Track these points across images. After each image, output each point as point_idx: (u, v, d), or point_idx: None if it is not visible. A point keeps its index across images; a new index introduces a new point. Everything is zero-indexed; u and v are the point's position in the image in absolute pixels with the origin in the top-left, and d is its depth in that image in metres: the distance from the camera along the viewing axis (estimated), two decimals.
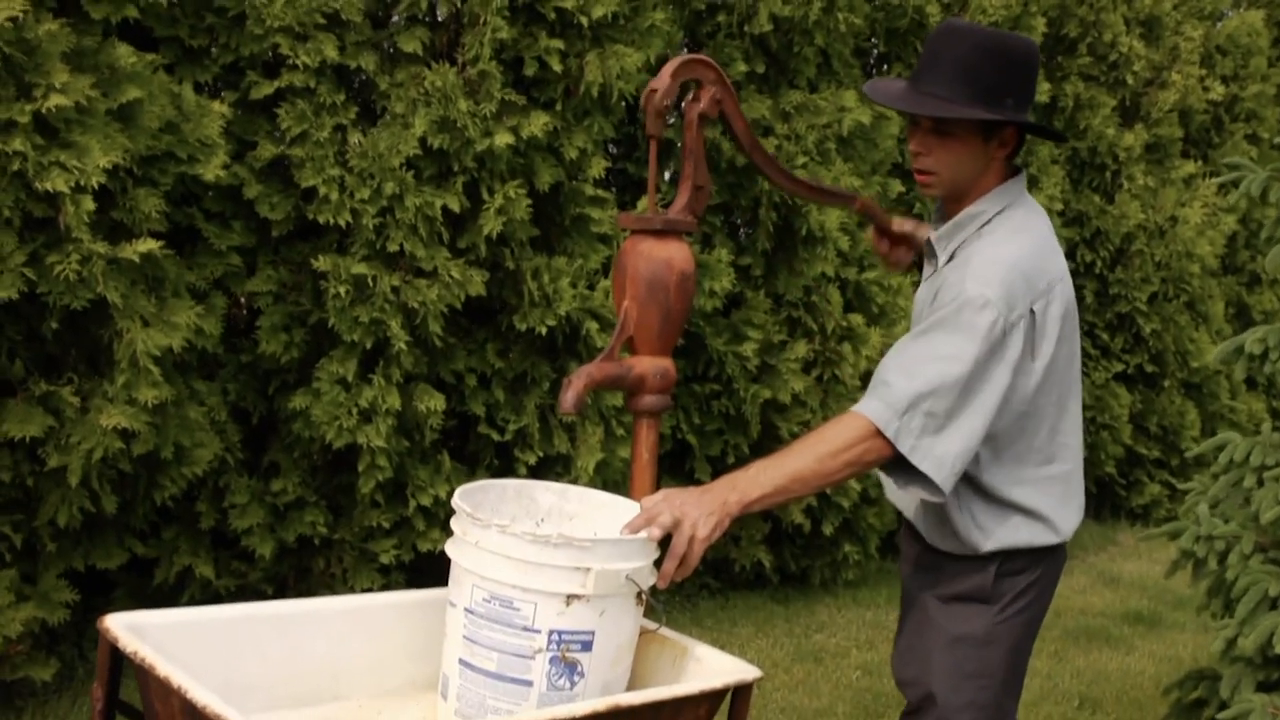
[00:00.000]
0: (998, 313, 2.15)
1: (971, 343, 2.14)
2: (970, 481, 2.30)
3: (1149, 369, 8.17)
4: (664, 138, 2.36)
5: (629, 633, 2.05)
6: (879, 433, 2.11)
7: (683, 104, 2.39)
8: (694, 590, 5.78)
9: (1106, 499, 8.47)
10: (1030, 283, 2.21)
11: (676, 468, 5.49)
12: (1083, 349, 7.88)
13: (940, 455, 2.13)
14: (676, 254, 2.34)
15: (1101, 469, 8.06)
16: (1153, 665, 5.44)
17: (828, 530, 5.78)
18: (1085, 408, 7.95)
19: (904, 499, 2.48)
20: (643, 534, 2.02)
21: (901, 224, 2.69)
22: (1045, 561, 2.40)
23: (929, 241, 2.42)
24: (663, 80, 2.29)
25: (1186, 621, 6.15)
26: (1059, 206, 7.28)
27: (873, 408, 2.13)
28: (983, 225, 2.32)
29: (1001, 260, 2.22)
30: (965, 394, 2.14)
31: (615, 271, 2.39)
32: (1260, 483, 3.20)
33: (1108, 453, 7.99)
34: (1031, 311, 2.21)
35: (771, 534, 5.85)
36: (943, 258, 2.37)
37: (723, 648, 5.01)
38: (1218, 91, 8.50)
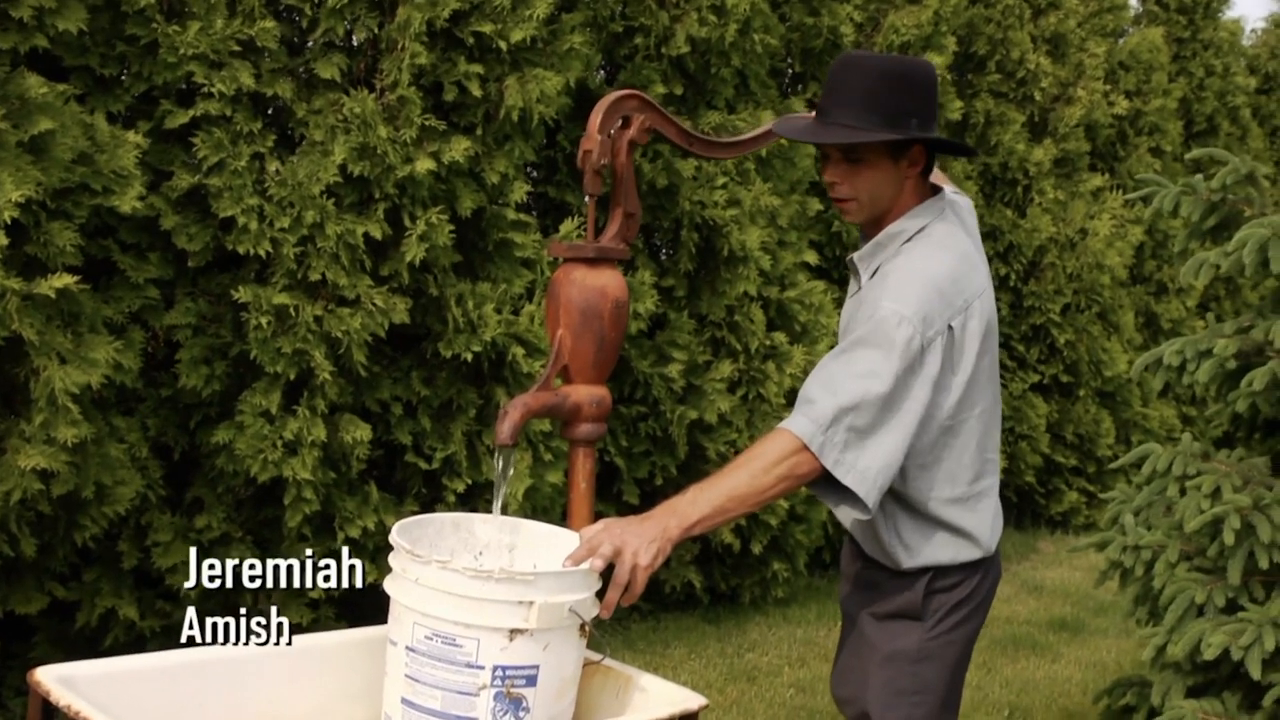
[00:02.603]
0: (913, 329, 2.18)
1: (889, 359, 2.17)
2: (899, 499, 2.32)
3: (1064, 379, 8.33)
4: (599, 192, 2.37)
5: (573, 665, 2.03)
6: (804, 447, 2.14)
7: (611, 131, 2.38)
8: (625, 614, 5.76)
9: (1026, 508, 8.61)
10: (947, 299, 2.24)
11: (604, 490, 5.47)
12: (999, 361, 8.11)
13: (863, 469, 2.15)
14: (610, 282, 2.34)
15: (1021, 478, 8.19)
16: (1079, 672, 5.52)
17: (756, 549, 5.80)
18: (1004, 418, 8.08)
19: (847, 516, 2.49)
20: (585, 565, 2.00)
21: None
22: (978, 575, 2.42)
23: (851, 260, 2.46)
24: (593, 139, 2.31)
25: (1109, 627, 6.25)
26: None
27: (798, 424, 2.15)
28: (904, 243, 2.35)
29: (917, 277, 2.25)
30: (886, 410, 2.17)
31: (549, 300, 2.38)
32: (1183, 492, 3.26)
33: (1027, 462, 8.12)
34: (950, 328, 2.23)
35: (701, 554, 5.85)
36: (865, 276, 2.40)
37: (656, 670, 5.02)
38: (1122, 106, 8.71)
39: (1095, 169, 8.90)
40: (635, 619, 5.74)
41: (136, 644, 4.09)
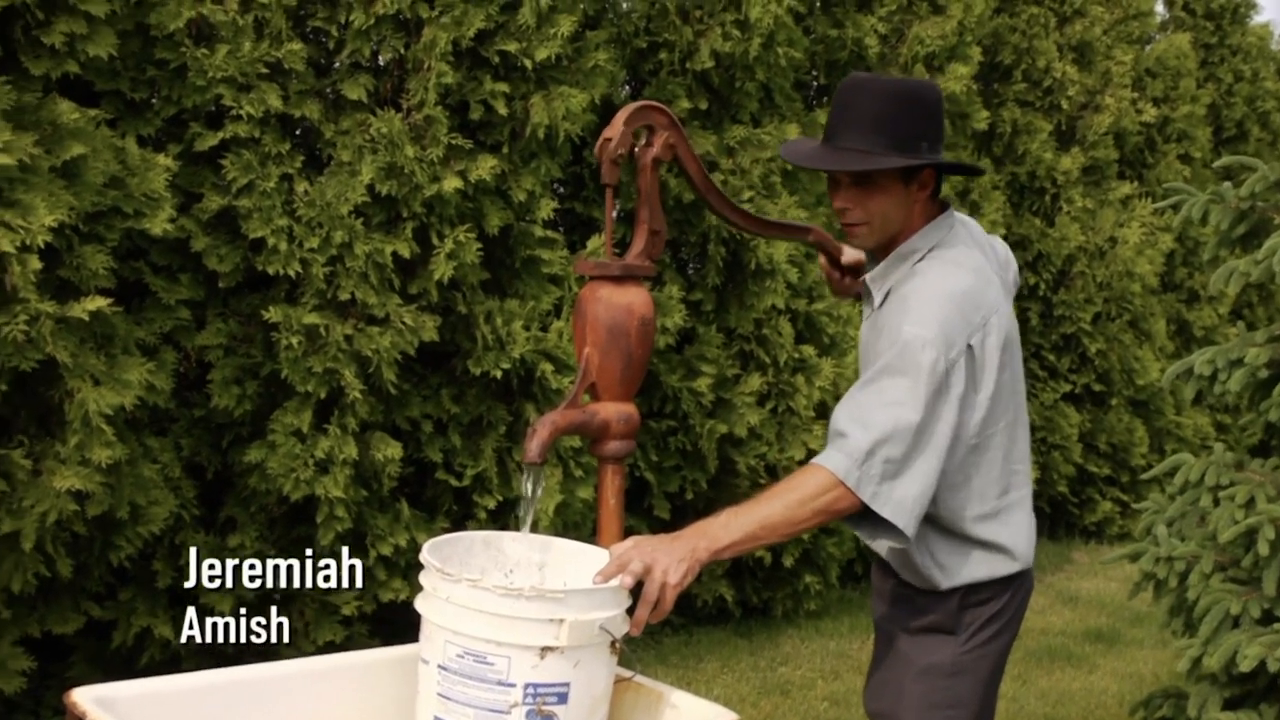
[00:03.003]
0: (937, 351, 2.17)
1: (917, 386, 2.16)
2: (931, 521, 2.31)
3: (1096, 388, 8.28)
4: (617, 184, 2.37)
5: (604, 682, 2.04)
6: (841, 483, 2.13)
7: (635, 149, 2.39)
8: (658, 628, 5.76)
9: (1060, 518, 8.56)
10: (966, 318, 2.23)
11: (635, 505, 5.48)
12: (1030, 371, 8.09)
13: (900, 499, 2.14)
14: (636, 299, 2.34)
15: (1054, 488, 8.15)
16: (1116, 684, 5.48)
17: (788, 562, 5.79)
18: (1035, 429, 8.04)
19: (883, 544, 2.48)
20: (614, 582, 2.00)
21: (851, 254, 2.72)
22: (1011, 589, 2.41)
23: (864, 282, 2.44)
24: (616, 129, 2.30)
25: (1146, 638, 6.20)
26: (1001, 231, 7.36)
27: (833, 460, 2.14)
28: (916, 263, 2.34)
29: (935, 299, 2.24)
30: (919, 436, 2.16)
31: (575, 318, 2.39)
32: (1216, 502, 3.24)
33: (1059, 472, 8.08)
34: (969, 346, 2.22)
35: (733, 568, 5.84)
36: (878, 298, 2.39)
37: (688, 684, 5.01)
38: (1150, 113, 8.67)
39: (1124, 177, 8.86)
40: (668, 633, 5.74)
41: (172, 662, 4.12)
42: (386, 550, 4.32)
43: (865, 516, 2.17)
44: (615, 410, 2.35)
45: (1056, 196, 8.12)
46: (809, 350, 5.78)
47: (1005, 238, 7.72)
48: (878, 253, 2.42)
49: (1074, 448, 8.07)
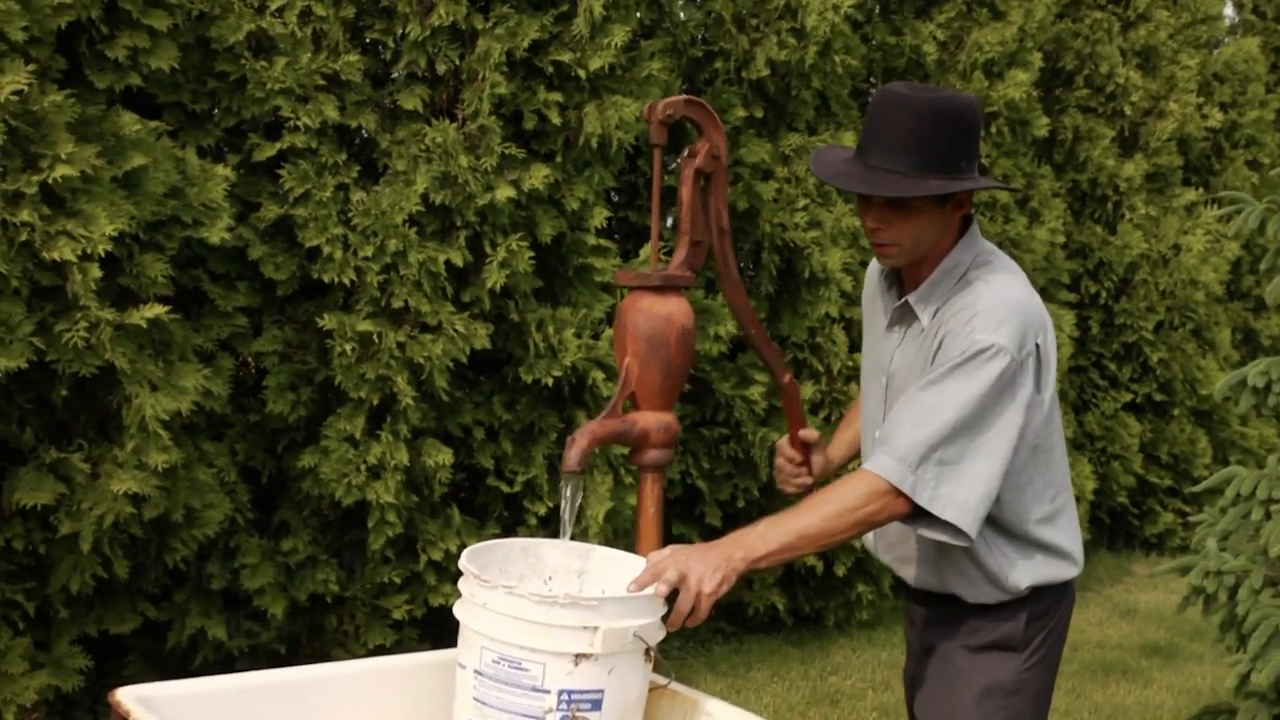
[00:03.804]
0: (1011, 357, 2.15)
1: (981, 390, 2.13)
2: (996, 524, 2.28)
3: (1158, 398, 8.17)
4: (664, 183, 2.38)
5: (638, 690, 2.05)
6: (893, 489, 2.10)
7: (679, 160, 2.41)
8: (708, 635, 5.77)
9: (1120, 529, 8.46)
10: (1031, 319, 2.21)
11: (686, 513, 5.50)
12: (1090, 380, 8.01)
13: (962, 502, 2.12)
14: (676, 310, 2.36)
15: (1114, 499, 8.05)
16: (1171, 698, 5.41)
17: (840, 571, 5.77)
18: (1095, 438, 7.97)
19: (901, 564, 2.47)
20: (649, 590, 2.02)
21: (809, 433, 2.66)
22: (1065, 598, 2.41)
23: (906, 303, 2.36)
24: (674, 99, 2.33)
25: (1205, 653, 6.12)
26: (1061, 239, 7.30)
27: (884, 464, 2.11)
28: (960, 276, 2.31)
29: (1005, 304, 2.21)
30: (977, 436, 2.13)
31: (616, 328, 2.41)
32: (1268, 516, 3.20)
33: (1120, 483, 7.99)
34: (1037, 346, 2.21)
35: (785, 576, 5.84)
36: (925, 318, 2.32)
37: (738, 693, 5.02)
38: (1216, 119, 8.53)
39: (1189, 183, 8.73)
40: (718, 641, 5.75)
41: (225, 663, 4.20)
42: (437, 555, 4.37)
43: (920, 515, 2.14)
44: (655, 419, 2.37)
45: (1119, 204, 8.03)
46: (862, 359, 5.75)
47: (1065, 245, 7.66)
48: (906, 270, 2.37)
49: (1134, 458, 7.98)
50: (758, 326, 2.59)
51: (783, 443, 2.69)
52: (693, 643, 5.66)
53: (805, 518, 2.12)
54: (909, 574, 2.44)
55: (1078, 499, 7.24)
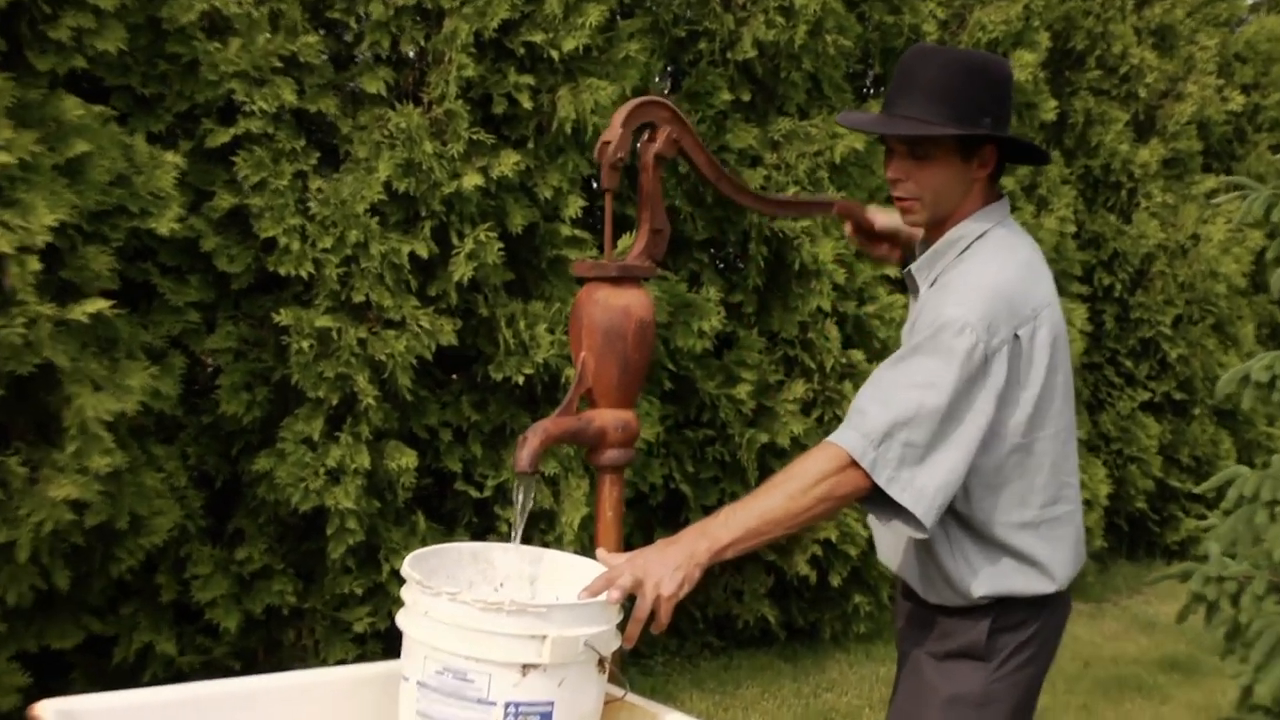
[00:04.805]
0: (977, 336, 2.16)
1: (950, 368, 2.15)
2: (964, 523, 2.30)
3: (1177, 396, 8.19)
4: (618, 189, 2.41)
5: (591, 702, 2.06)
6: (854, 463, 2.12)
7: (638, 145, 2.43)
8: (695, 650, 5.79)
9: (1139, 537, 8.47)
10: (1013, 307, 2.23)
11: (670, 519, 5.52)
12: (1106, 378, 8.02)
13: (921, 487, 2.13)
14: (634, 301, 2.38)
15: (1131, 504, 8.06)
16: (1189, 716, 5.43)
17: (835, 581, 5.79)
18: (1110, 440, 7.98)
19: (893, 555, 2.49)
20: (602, 596, 2.04)
21: (881, 217, 2.73)
22: (1046, 612, 2.39)
23: (909, 273, 2.46)
24: (614, 131, 2.34)
25: (1227, 667, 6.12)
26: (1072, 229, 7.31)
27: (847, 437, 2.13)
28: (963, 250, 2.34)
29: (982, 283, 2.24)
30: (946, 423, 2.15)
31: (572, 322, 2.43)
32: (1273, 518, 3.21)
33: (1137, 487, 8.00)
34: (1016, 336, 2.22)
35: (776, 587, 5.86)
36: (924, 286, 2.39)
37: (725, 710, 5.03)
38: (1237, 101, 8.56)
39: (1209, 169, 8.76)
40: (706, 656, 5.77)
41: (176, 680, 4.18)
42: (401, 564, 4.37)
43: (882, 499, 2.16)
44: (612, 417, 2.39)
45: (1134, 191, 8.04)
46: (858, 355, 5.78)
47: (1077, 235, 7.67)
48: (928, 231, 2.42)
49: (1153, 460, 7.99)
50: (783, 203, 2.74)
51: (851, 231, 2.76)
52: (678, 658, 5.68)
53: (768, 498, 2.13)
54: (897, 566, 2.47)
55: (1089, 504, 7.25)
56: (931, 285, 2.38)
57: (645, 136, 2.45)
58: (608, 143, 2.34)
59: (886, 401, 2.15)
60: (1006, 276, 2.26)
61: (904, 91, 2.31)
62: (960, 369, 2.16)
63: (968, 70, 2.29)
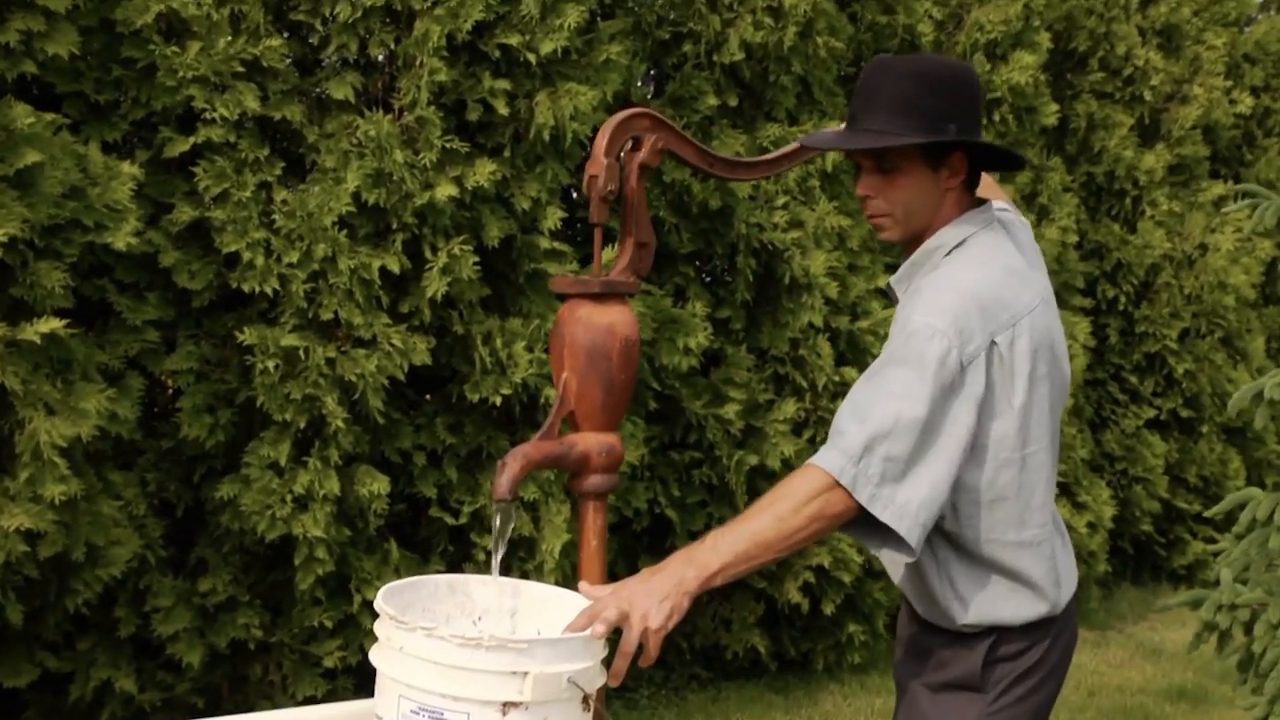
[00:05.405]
0: (949, 342, 2.17)
1: (923, 379, 2.16)
2: (953, 542, 2.31)
3: (1184, 414, 8.22)
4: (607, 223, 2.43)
5: None
6: (835, 482, 2.12)
7: (620, 154, 2.43)
8: (682, 682, 5.78)
9: (1146, 560, 8.49)
10: (988, 313, 2.23)
11: (655, 545, 5.51)
12: (1109, 394, 8.05)
13: (903, 503, 2.13)
14: (618, 319, 2.39)
15: (1136, 527, 8.08)
16: None
17: (829, 609, 5.79)
18: (1114, 459, 8.01)
19: (894, 568, 2.49)
20: (587, 632, 2.03)
21: None
22: (1048, 638, 2.39)
23: (889, 286, 2.48)
24: (599, 162, 2.36)
25: (1236, 697, 6.13)
26: (1074, 238, 7.34)
27: (828, 458, 2.14)
28: (943, 257, 2.36)
29: (953, 288, 2.25)
30: (926, 435, 2.15)
31: (552, 341, 2.44)
32: None
33: (1143, 508, 8.02)
34: (994, 343, 2.22)
35: (766, 616, 5.85)
36: (902, 300, 2.41)
37: None
38: (1246, 104, 8.60)
39: (1217, 175, 8.80)
40: (694, 688, 5.76)
41: (136, 719, 4.19)
42: (373, 595, 4.35)
43: (869, 523, 2.16)
44: (596, 441, 2.39)
45: (1138, 199, 8.09)
46: (851, 373, 5.79)
47: (1080, 245, 7.71)
48: (907, 249, 2.44)
49: (1159, 481, 8.01)
50: (784, 157, 2.73)
51: None
52: (664, 690, 5.67)
53: (758, 521, 2.13)
54: (896, 573, 2.47)
55: (1094, 526, 7.27)
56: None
57: (629, 145, 2.45)
58: (595, 176, 2.36)
59: (864, 418, 2.16)
60: (979, 283, 2.27)
61: (866, 106, 2.33)
62: (935, 377, 2.16)
63: (929, 78, 2.32)
